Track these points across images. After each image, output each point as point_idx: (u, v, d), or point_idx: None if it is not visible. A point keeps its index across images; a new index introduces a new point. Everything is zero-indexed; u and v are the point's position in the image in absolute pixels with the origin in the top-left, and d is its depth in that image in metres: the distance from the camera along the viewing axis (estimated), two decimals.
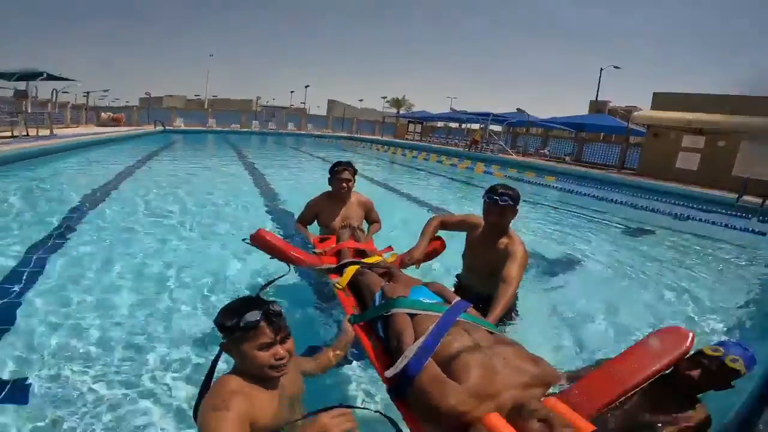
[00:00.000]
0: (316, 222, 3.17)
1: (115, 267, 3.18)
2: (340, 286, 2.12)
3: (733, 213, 8.04)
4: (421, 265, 2.45)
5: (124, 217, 4.63)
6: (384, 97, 40.36)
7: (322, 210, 3.07)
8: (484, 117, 20.10)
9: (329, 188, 3.08)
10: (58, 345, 2.12)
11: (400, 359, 1.37)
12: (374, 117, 32.41)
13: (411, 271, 2.36)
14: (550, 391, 1.38)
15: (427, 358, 1.34)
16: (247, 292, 2.84)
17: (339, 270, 2.29)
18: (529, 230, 5.63)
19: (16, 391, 1.76)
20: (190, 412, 1.30)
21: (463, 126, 25.71)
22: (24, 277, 2.83)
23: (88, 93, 19.48)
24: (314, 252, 2.62)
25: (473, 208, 4.06)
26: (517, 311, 2.43)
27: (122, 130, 14.90)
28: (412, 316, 1.59)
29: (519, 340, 1.61)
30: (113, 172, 7.26)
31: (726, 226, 6.72)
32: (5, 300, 2.50)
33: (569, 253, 4.75)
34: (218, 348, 1.21)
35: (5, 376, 1.84)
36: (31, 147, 8.03)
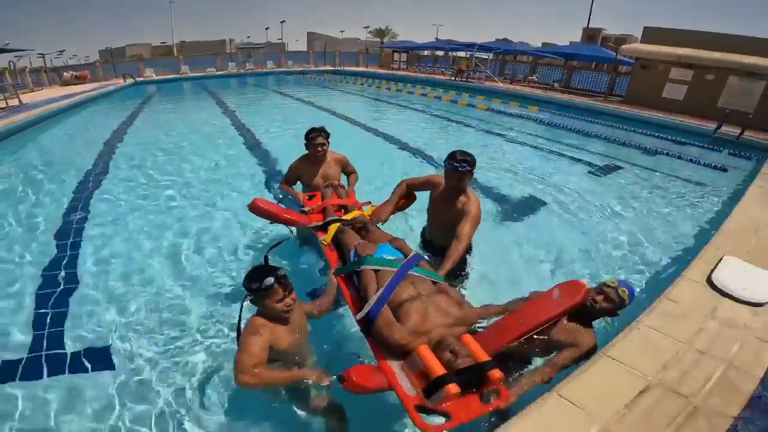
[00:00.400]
0: (299, 182, 3.54)
1: (131, 240, 3.72)
2: (325, 243, 2.58)
3: (707, 146, 8.35)
4: (396, 221, 2.93)
5: (128, 190, 4.96)
6: (366, 27, 37.26)
7: (303, 172, 3.43)
8: (470, 47, 19.40)
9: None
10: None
11: (365, 306, 1.89)
12: (357, 48, 30.31)
13: (388, 224, 2.82)
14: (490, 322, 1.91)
15: (383, 305, 1.86)
16: (250, 251, 3.52)
17: (324, 227, 2.72)
18: (501, 167, 6.09)
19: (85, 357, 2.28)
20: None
21: (450, 54, 24.61)
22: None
23: (43, 55, 17.92)
24: (303, 211, 3.01)
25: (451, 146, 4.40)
26: (470, 264, 2.83)
27: (91, 89, 14.01)
28: (376, 271, 2.08)
29: (472, 282, 2.22)
30: (100, 141, 7.30)
31: (691, 161, 7.06)
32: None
33: (533, 191, 5.25)
34: (242, 297, 1.80)
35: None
36: (8, 124, 7.86)
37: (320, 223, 2.78)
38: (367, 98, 14.69)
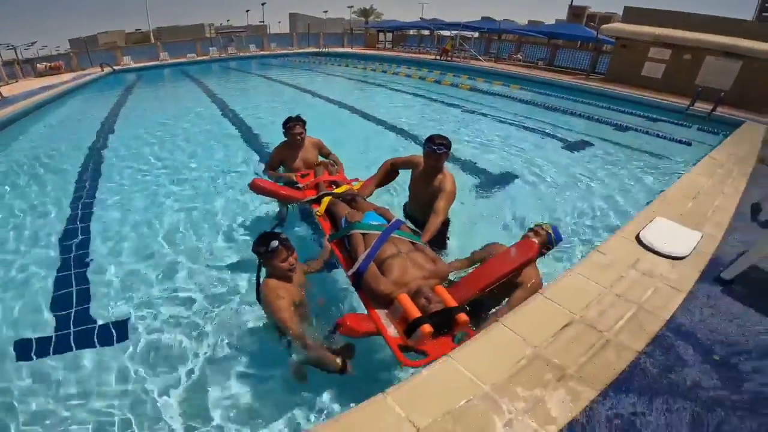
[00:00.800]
0: (281, 166, 3.79)
1: (138, 224, 3.96)
2: (319, 214, 2.92)
3: (679, 122, 8.68)
4: (381, 197, 3.29)
5: (130, 177, 5.13)
6: (350, 7, 36.47)
7: (285, 157, 3.70)
8: (454, 27, 19.39)
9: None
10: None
11: (355, 264, 2.23)
12: (341, 28, 29.75)
13: (373, 199, 3.14)
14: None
15: (370, 262, 2.19)
16: (249, 226, 3.85)
17: (318, 200, 3.04)
18: (481, 144, 6.38)
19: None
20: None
21: (435, 33, 24.50)
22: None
23: (14, 47, 17.30)
24: (298, 187, 3.36)
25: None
26: (447, 236, 3.16)
27: (69, 79, 13.72)
28: (363, 234, 2.41)
29: (451, 248, 2.63)
30: (92, 131, 7.34)
31: (658, 135, 7.39)
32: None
33: (510, 166, 5.63)
34: (256, 263, 2.14)
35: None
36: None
37: (314, 197, 3.10)
38: (353, 80, 14.68)
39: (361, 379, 2.05)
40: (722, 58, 11.00)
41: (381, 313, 2.05)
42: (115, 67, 16.88)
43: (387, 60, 19.10)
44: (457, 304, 1.98)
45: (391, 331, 1.95)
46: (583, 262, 2.60)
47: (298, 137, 3.56)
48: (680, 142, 6.98)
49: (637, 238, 2.85)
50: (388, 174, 3.17)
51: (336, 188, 3.17)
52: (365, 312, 2.10)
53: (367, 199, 3.04)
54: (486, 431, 1.50)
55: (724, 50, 10.88)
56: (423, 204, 2.86)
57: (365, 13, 50.91)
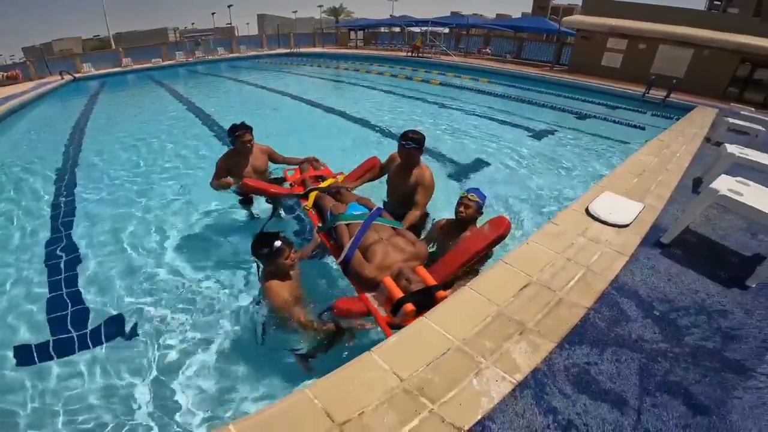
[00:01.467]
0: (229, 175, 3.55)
1: (119, 229, 3.97)
2: (308, 208, 3.12)
3: (635, 108, 9.28)
4: (365, 190, 3.42)
5: (108, 184, 5.08)
6: (320, 6, 36.23)
7: (233, 165, 3.47)
8: (424, 23, 19.79)
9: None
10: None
11: (343, 251, 2.45)
12: (312, 28, 29.62)
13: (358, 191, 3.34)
14: None
15: (355, 250, 2.41)
16: (224, 226, 3.93)
17: (305, 195, 3.24)
18: (452, 136, 6.74)
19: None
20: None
21: (407, 29, 24.83)
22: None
23: None
24: (286, 185, 3.53)
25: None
26: (425, 226, 3.30)
27: (29, 89, 13.18)
28: (347, 224, 2.63)
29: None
30: (61, 141, 7.17)
31: (615, 121, 7.95)
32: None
33: (480, 155, 6.02)
34: (255, 263, 2.32)
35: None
36: None
37: (302, 193, 3.28)
38: (326, 79, 14.77)
39: (350, 355, 2.28)
40: (675, 47, 11.72)
41: (369, 296, 2.27)
42: (76, 75, 16.30)
43: (359, 58, 19.29)
44: (436, 283, 2.22)
45: (380, 310, 2.18)
46: (538, 232, 2.93)
47: (248, 144, 3.44)
48: (636, 127, 7.54)
49: (586, 210, 3.20)
50: (372, 171, 3.33)
51: (322, 182, 3.37)
52: (355, 295, 2.32)
53: (352, 190, 3.26)
54: (460, 379, 1.75)
55: (675, 39, 11.61)
56: (401, 197, 2.99)
57: (335, 12, 50.70)
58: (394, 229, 2.64)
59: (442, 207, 3.65)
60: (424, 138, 2.89)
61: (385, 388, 1.67)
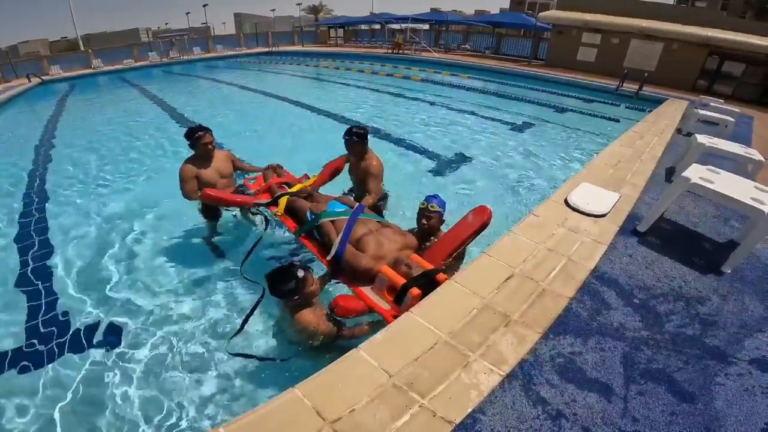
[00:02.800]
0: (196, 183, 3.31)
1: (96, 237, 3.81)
2: (279, 213, 3.00)
3: (609, 101, 9.54)
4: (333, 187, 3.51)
5: (82, 200, 4.75)
6: (299, 4, 35.63)
7: (199, 173, 3.21)
8: (403, 19, 19.86)
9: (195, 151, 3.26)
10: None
11: (333, 247, 2.40)
12: (291, 26, 29.20)
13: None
14: None
15: (346, 244, 2.38)
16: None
17: (275, 202, 3.11)
18: (433, 130, 6.84)
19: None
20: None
21: (387, 26, 24.85)
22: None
23: None
24: (250, 193, 3.33)
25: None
26: (387, 206, 3.56)
27: None
28: (332, 221, 2.58)
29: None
30: (29, 151, 6.76)
31: (591, 114, 8.17)
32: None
33: (460, 148, 6.12)
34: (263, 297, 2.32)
35: None
36: None
37: (270, 200, 3.15)
38: (306, 77, 14.64)
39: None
40: (645, 41, 12.08)
41: (366, 290, 2.24)
42: (44, 78, 15.65)
43: (340, 56, 19.18)
44: (434, 266, 2.25)
45: (382, 304, 2.16)
46: (519, 224, 2.97)
47: (209, 146, 3.19)
48: (610, 119, 7.76)
49: (565, 201, 3.28)
50: (338, 171, 3.52)
51: (289, 188, 3.24)
52: (350, 293, 2.29)
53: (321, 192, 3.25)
54: (448, 373, 1.76)
55: (644, 33, 11.98)
56: (359, 184, 3.40)
57: (315, 9, 50.07)
58: (379, 222, 2.65)
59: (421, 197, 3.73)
60: (367, 131, 3.23)
61: (375, 384, 1.67)
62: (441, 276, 2.21)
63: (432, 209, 2.63)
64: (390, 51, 19.13)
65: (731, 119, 5.55)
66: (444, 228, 2.74)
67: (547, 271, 2.43)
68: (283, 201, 3.04)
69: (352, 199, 3.05)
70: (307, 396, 1.60)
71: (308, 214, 2.80)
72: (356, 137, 3.16)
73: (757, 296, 2.44)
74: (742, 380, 1.86)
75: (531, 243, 2.71)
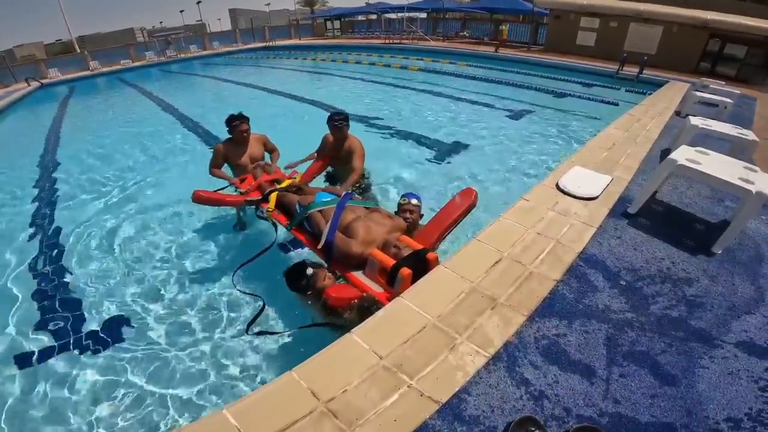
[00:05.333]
0: (226, 163, 3.75)
1: (105, 239, 3.91)
2: (270, 209, 3.09)
3: (609, 85, 9.44)
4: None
5: (92, 204, 4.79)
6: None
7: (230, 154, 3.68)
8: (399, 8, 19.64)
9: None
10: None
11: (323, 236, 2.47)
12: (287, 20, 29.01)
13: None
14: None
15: (335, 231, 2.45)
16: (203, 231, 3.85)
17: (265, 199, 3.20)
18: (433, 119, 6.90)
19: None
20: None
21: (383, 16, 24.60)
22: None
23: None
24: (241, 192, 3.40)
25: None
26: (370, 184, 3.88)
27: None
28: (320, 210, 2.66)
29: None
30: (35, 157, 6.80)
31: (590, 98, 8.10)
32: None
33: (458, 137, 6.17)
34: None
35: None
36: None
37: (260, 198, 3.24)
38: (303, 71, 14.59)
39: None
40: (645, 24, 11.89)
41: (359, 275, 2.30)
42: (43, 81, 15.75)
43: (337, 48, 19.06)
44: (423, 247, 2.32)
45: (375, 287, 2.22)
46: (510, 209, 3.01)
47: (245, 134, 3.62)
48: (610, 103, 7.70)
49: (557, 185, 3.30)
50: (323, 164, 3.75)
51: (279, 185, 3.34)
52: (343, 280, 2.35)
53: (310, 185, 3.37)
54: (437, 354, 1.83)
55: (642, 17, 11.79)
56: (340, 164, 3.70)
57: (310, 2, 49.58)
58: (366, 207, 2.72)
59: (424, 182, 3.82)
60: (348, 115, 3.59)
61: (366, 366, 1.75)
62: (431, 255, 2.27)
63: (413, 204, 2.81)
64: (388, 40, 18.91)
65: (730, 101, 5.50)
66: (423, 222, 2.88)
67: (536, 254, 2.48)
68: (273, 197, 3.13)
69: (338, 188, 3.16)
70: (303, 378, 1.68)
71: (297, 206, 2.87)
72: (343, 121, 3.52)
73: (748, 277, 2.39)
74: (726, 363, 1.85)
75: (520, 227, 2.76)
